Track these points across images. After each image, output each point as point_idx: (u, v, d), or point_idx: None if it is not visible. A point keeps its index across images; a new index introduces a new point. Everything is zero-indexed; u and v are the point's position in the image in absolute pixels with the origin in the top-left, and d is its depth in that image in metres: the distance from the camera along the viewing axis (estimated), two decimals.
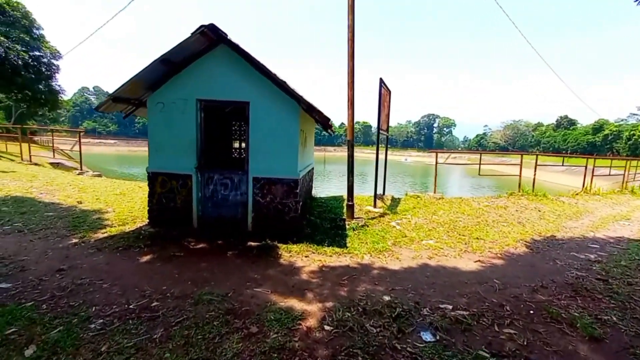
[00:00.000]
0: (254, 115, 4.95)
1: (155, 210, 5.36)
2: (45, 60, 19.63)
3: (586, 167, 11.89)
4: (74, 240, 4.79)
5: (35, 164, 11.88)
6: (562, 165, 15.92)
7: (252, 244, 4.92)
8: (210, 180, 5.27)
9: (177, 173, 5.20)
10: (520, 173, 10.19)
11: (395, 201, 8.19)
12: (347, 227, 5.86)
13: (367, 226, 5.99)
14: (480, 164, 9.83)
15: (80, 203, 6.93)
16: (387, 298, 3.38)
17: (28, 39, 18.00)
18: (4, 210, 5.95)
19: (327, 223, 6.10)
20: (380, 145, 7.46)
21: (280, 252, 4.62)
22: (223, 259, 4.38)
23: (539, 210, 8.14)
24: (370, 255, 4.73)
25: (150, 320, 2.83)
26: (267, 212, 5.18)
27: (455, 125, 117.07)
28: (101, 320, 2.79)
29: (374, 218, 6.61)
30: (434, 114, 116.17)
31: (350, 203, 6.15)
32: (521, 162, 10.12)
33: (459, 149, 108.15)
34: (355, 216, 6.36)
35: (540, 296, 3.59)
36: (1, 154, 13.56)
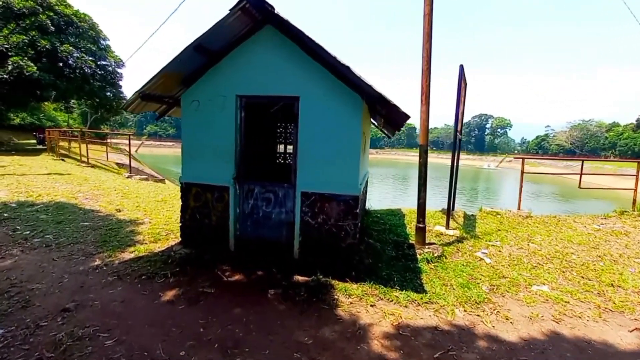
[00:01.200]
0: (305, 113, 3.86)
1: (187, 228, 4.55)
2: (110, 68, 21.06)
3: None
4: (97, 262, 4.13)
5: (92, 166, 12.29)
6: None
7: (299, 278, 3.83)
8: (250, 194, 4.30)
9: (213, 185, 4.31)
10: (637, 186, 7.84)
11: (470, 220, 6.57)
12: (419, 257, 4.50)
13: (445, 257, 4.58)
14: (582, 173, 7.69)
15: (119, 211, 6.49)
16: None
17: (95, 48, 19.38)
18: (41, 219, 5.63)
19: (390, 249, 4.81)
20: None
21: (336, 297, 3.46)
22: (262, 302, 3.34)
23: None
24: (464, 310, 3.34)
25: None
26: (317, 237, 4.06)
27: (511, 126, 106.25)
28: None
29: (449, 244, 5.16)
30: (486, 114, 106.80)
31: (421, 225, 4.78)
32: (638, 172, 7.79)
33: (515, 152, 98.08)
34: (426, 241, 4.97)
35: None
36: (73, 155, 14.40)
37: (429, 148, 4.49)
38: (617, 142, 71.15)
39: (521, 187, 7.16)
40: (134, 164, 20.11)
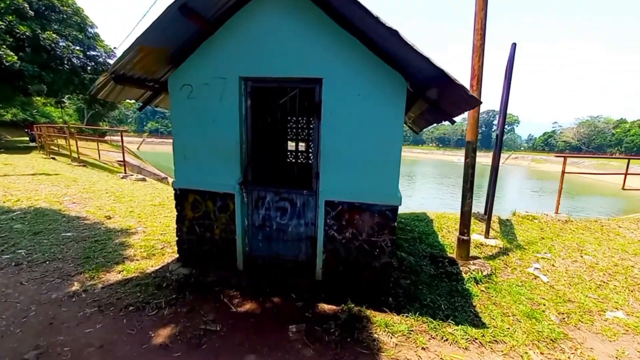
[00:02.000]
0: (330, 100, 3.07)
1: (185, 242, 3.79)
2: (101, 59, 20.00)
3: None
4: (75, 287, 3.38)
5: (84, 165, 11.48)
6: None
7: (326, 308, 3.08)
8: (260, 203, 3.54)
9: (214, 191, 3.55)
10: None
11: (507, 226, 5.82)
12: (464, 276, 3.76)
13: (495, 275, 3.84)
14: (627, 173, 6.90)
15: (109, 218, 5.72)
16: None
17: (82, 37, 18.26)
18: (15, 230, 4.86)
19: (427, 265, 4.06)
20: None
21: (376, 335, 2.71)
22: (282, 344, 2.60)
23: None
24: (540, 351, 2.61)
25: None
26: (345, 254, 3.31)
27: (518, 123, 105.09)
28: None
29: (493, 257, 4.42)
30: (494, 110, 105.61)
31: (464, 237, 4.03)
32: None
33: (522, 148, 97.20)
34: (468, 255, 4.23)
35: None
36: (66, 153, 13.51)
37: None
38: (623, 139, 70.39)
39: (561, 189, 6.39)
40: (135, 162, 19.35)
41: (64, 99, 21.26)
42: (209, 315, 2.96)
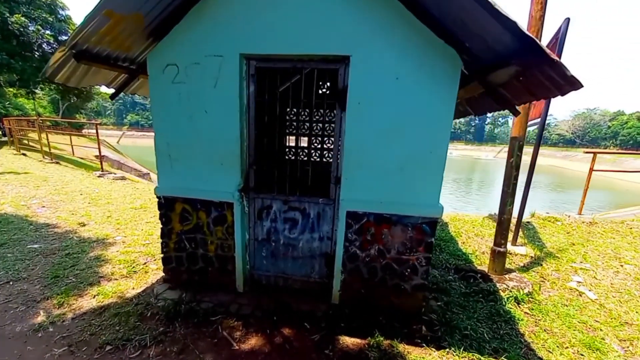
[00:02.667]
0: (359, 85, 2.45)
1: (173, 260, 3.14)
2: None
3: None
4: (40, 318, 2.73)
5: (57, 162, 10.50)
6: None
7: (349, 342, 2.51)
8: (265, 213, 2.92)
9: (208, 200, 2.90)
10: None
11: (530, 229, 5.36)
12: (502, 294, 3.25)
13: (535, 292, 3.34)
14: None
15: (83, 225, 4.99)
16: None
17: (53, 20, 16.79)
18: None
19: (454, 280, 3.54)
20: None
21: None
22: None
23: None
24: None
25: None
26: (369, 275, 2.74)
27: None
28: None
29: (526, 268, 3.94)
30: None
31: (501, 249, 3.51)
32: None
33: None
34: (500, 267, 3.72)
35: None
36: (41, 148, 12.38)
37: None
38: (619, 132, 70.64)
39: (586, 189, 5.95)
40: (115, 156, 18.24)
41: (35, 90, 19.75)
42: (206, 355, 2.36)
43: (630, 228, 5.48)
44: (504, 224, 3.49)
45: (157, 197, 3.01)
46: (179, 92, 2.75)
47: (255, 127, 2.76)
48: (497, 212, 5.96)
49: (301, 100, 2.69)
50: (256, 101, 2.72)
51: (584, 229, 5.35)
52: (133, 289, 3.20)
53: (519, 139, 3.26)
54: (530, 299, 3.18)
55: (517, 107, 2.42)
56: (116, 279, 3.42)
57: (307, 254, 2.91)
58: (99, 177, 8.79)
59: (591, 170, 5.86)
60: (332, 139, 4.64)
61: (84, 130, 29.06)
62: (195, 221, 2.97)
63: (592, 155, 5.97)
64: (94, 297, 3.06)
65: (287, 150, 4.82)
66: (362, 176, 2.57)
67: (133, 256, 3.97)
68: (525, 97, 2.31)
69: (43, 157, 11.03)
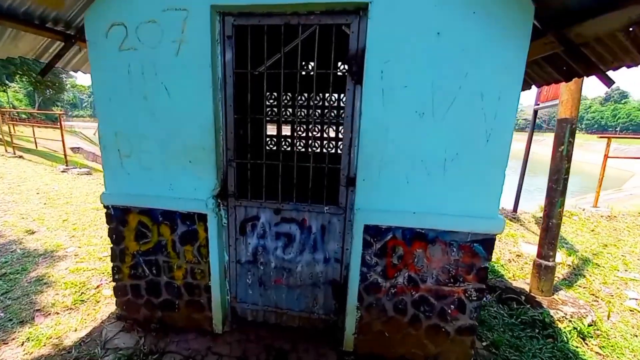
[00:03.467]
0: (381, 46, 1.68)
1: (127, 291, 2.34)
2: None
3: None
4: None
5: (20, 157, 9.45)
6: None
7: None
8: (251, 226, 2.14)
9: (172, 210, 2.11)
10: None
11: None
12: (560, 325, 2.55)
13: (599, 321, 2.65)
14: None
15: (32, 233, 4.13)
16: None
17: None
18: None
19: (493, 304, 2.83)
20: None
21: None
22: None
23: None
24: None
25: None
26: (396, 312, 2.00)
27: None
28: None
29: (571, 282, 3.27)
30: None
31: (549, 263, 2.81)
32: None
33: None
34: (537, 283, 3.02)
35: None
36: (9, 139, 11.24)
37: None
38: (584, 116, 72.84)
39: (602, 178, 5.37)
40: (91, 148, 17.13)
41: (6, 82, 18.44)
42: None
43: None
44: (552, 231, 2.80)
45: (105, 206, 2.21)
46: (129, 62, 1.95)
47: (234, 110, 1.98)
48: (511, 209, 5.36)
49: (298, 70, 1.91)
50: (235, 74, 1.94)
51: (607, 225, 4.79)
52: (75, 330, 2.39)
53: (570, 121, 2.55)
54: (595, 330, 2.49)
55: (607, 74, 1.69)
56: (57, 313, 2.60)
57: (308, 281, 2.15)
58: (62, 172, 7.82)
59: (606, 157, 5.27)
60: (342, 125, 3.87)
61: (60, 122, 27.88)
62: (156, 239, 2.18)
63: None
64: (21, 345, 2.26)
65: (282, 141, 4.01)
66: (386, 176, 1.82)
67: (84, 276, 3.16)
68: (627, 58, 1.59)
69: (6, 150, 9.97)
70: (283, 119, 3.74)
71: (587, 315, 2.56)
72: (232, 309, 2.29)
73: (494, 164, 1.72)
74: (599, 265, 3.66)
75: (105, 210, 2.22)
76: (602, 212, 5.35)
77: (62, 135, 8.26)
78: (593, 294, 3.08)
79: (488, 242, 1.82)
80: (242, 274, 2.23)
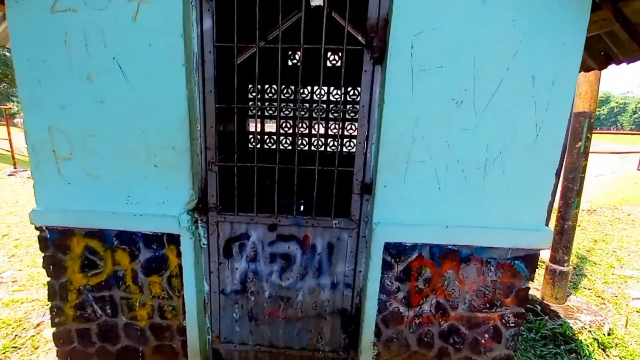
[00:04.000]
0: (409, 13, 1.32)
1: (72, 338, 1.78)
2: None
3: None
4: None
5: None
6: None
7: None
8: (238, 247, 1.69)
9: (132, 231, 1.60)
10: None
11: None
12: (577, 335, 2.34)
13: (616, 328, 2.48)
14: None
15: None
16: None
17: None
18: None
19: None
20: None
21: None
22: None
23: None
24: None
25: None
26: (420, 347, 1.65)
27: None
28: None
29: (576, 284, 3.13)
30: None
31: (563, 268, 2.58)
32: None
33: None
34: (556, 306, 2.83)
35: None
36: None
37: None
38: None
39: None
40: None
41: None
42: None
43: (629, 215, 5.11)
44: (567, 234, 2.61)
45: (37, 228, 1.65)
46: (66, 29, 1.42)
47: (216, 97, 1.52)
48: None
49: (301, 45, 1.49)
50: (217, 49, 1.48)
51: (590, 220, 4.96)
52: None
53: (588, 115, 2.35)
54: (614, 339, 2.31)
55: None
56: None
57: (311, 312, 1.74)
58: (9, 175, 6.75)
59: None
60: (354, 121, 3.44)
61: (16, 120, 25.19)
62: (111, 269, 1.66)
63: None
64: None
65: (281, 138, 3.49)
66: (413, 181, 1.46)
67: (22, 311, 2.52)
68: None
69: None
70: (283, 111, 3.27)
71: (604, 324, 2.38)
72: (214, 352, 1.82)
73: (543, 164, 1.42)
74: (595, 263, 3.60)
75: (38, 232, 1.65)
76: (582, 206, 5.45)
77: (8, 133, 7.14)
78: (599, 296, 2.96)
79: (531, 259, 1.52)
80: (227, 307, 1.76)
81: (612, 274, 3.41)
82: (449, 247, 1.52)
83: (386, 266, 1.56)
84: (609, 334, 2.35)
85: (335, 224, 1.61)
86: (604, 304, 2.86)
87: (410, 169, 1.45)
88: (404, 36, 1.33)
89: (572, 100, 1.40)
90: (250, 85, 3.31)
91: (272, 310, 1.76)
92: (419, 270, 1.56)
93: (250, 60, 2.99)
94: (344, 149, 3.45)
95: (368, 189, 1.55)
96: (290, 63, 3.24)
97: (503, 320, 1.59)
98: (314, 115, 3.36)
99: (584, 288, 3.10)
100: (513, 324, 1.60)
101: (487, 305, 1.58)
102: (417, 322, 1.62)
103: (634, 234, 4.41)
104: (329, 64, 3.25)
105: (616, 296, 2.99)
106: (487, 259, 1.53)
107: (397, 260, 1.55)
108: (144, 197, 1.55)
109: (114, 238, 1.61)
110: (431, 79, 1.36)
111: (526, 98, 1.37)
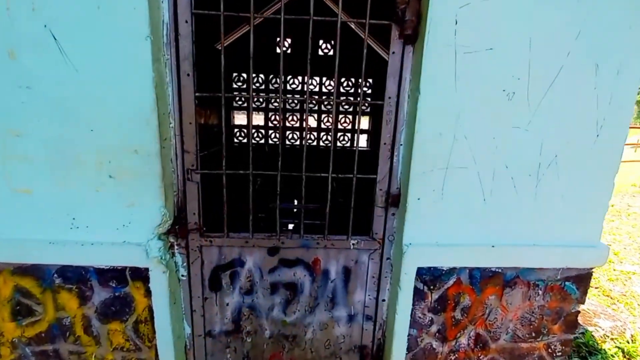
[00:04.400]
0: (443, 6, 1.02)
1: None
2: None
3: None
4: None
5: None
6: None
7: None
8: (230, 276, 1.32)
9: (78, 266, 1.18)
10: None
11: None
12: (603, 345, 2.22)
13: (638, 333, 2.40)
14: None
15: None
16: None
17: None
18: None
19: None
20: None
21: None
22: None
23: None
24: None
25: None
26: None
27: None
28: None
29: None
30: None
31: None
32: None
33: None
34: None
35: None
36: None
37: None
38: None
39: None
40: None
41: None
42: None
43: (614, 206, 5.26)
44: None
45: None
46: None
47: (195, 83, 1.13)
48: None
49: (310, 17, 1.14)
50: (195, 16, 1.09)
51: None
52: None
53: None
54: (639, 347, 2.21)
55: None
56: None
57: (323, 351, 1.42)
58: None
59: None
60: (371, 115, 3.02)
61: None
62: (53, 315, 1.23)
63: None
64: None
65: (286, 135, 2.98)
66: (453, 192, 1.17)
67: None
68: None
69: None
70: (283, 101, 2.84)
71: (625, 329, 2.28)
72: None
73: (603, 168, 1.19)
74: None
75: None
76: None
77: None
78: (608, 295, 2.90)
79: (583, 279, 1.30)
80: (215, 352, 1.39)
81: (614, 269, 3.40)
82: (492, 269, 1.26)
83: (418, 295, 1.27)
84: (632, 341, 2.25)
85: (353, 244, 1.29)
86: (615, 304, 2.80)
87: (450, 177, 1.16)
88: (446, 8, 1.03)
89: (635, 99, 1.19)
90: (234, 74, 2.86)
91: (274, 353, 1.41)
92: (457, 298, 1.28)
93: (234, 46, 2.56)
94: (351, 144, 3.04)
95: (395, 200, 1.24)
96: (287, 45, 2.81)
97: (549, 350, 1.37)
98: (322, 107, 2.91)
99: (591, 287, 3.04)
100: (560, 353, 1.38)
101: (533, 334, 1.34)
102: (453, 358, 1.35)
103: (623, 226, 4.50)
104: (328, 53, 2.87)
105: (624, 295, 2.95)
106: (534, 282, 1.28)
107: (432, 287, 1.26)
108: (96, 220, 1.14)
109: (55, 275, 1.18)
110: (478, 65, 1.08)
111: (588, 89, 1.12)
